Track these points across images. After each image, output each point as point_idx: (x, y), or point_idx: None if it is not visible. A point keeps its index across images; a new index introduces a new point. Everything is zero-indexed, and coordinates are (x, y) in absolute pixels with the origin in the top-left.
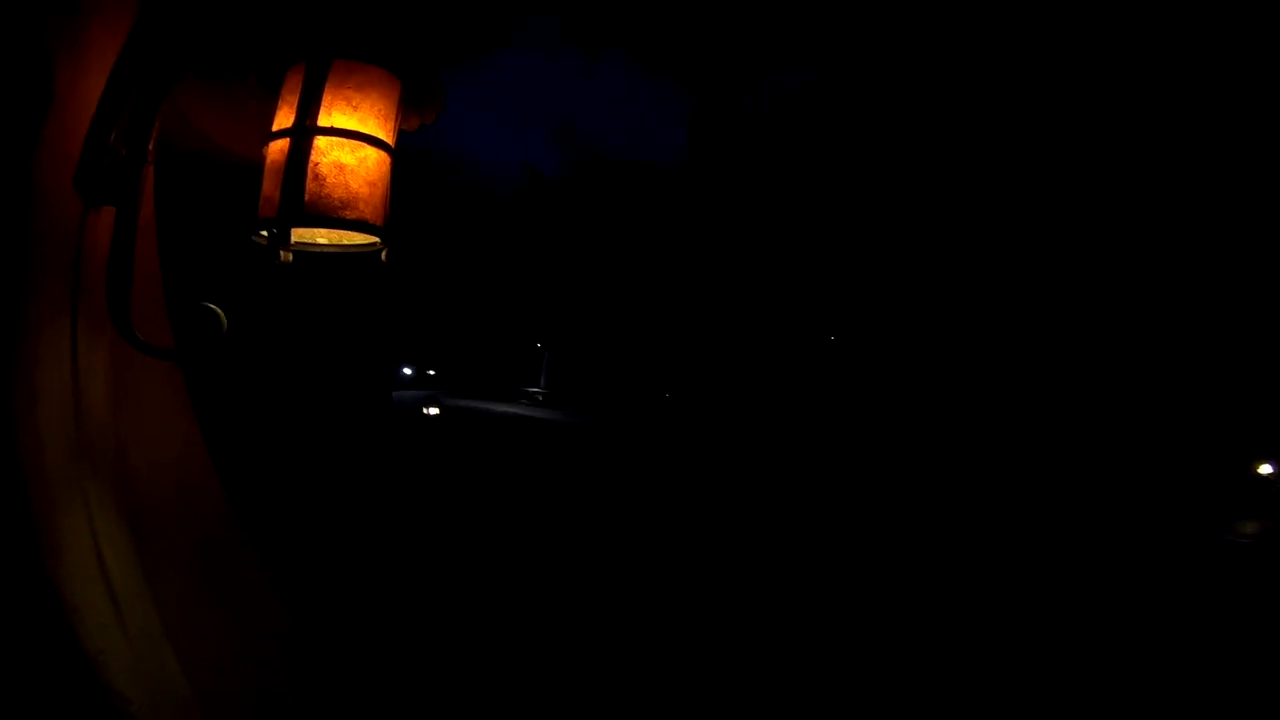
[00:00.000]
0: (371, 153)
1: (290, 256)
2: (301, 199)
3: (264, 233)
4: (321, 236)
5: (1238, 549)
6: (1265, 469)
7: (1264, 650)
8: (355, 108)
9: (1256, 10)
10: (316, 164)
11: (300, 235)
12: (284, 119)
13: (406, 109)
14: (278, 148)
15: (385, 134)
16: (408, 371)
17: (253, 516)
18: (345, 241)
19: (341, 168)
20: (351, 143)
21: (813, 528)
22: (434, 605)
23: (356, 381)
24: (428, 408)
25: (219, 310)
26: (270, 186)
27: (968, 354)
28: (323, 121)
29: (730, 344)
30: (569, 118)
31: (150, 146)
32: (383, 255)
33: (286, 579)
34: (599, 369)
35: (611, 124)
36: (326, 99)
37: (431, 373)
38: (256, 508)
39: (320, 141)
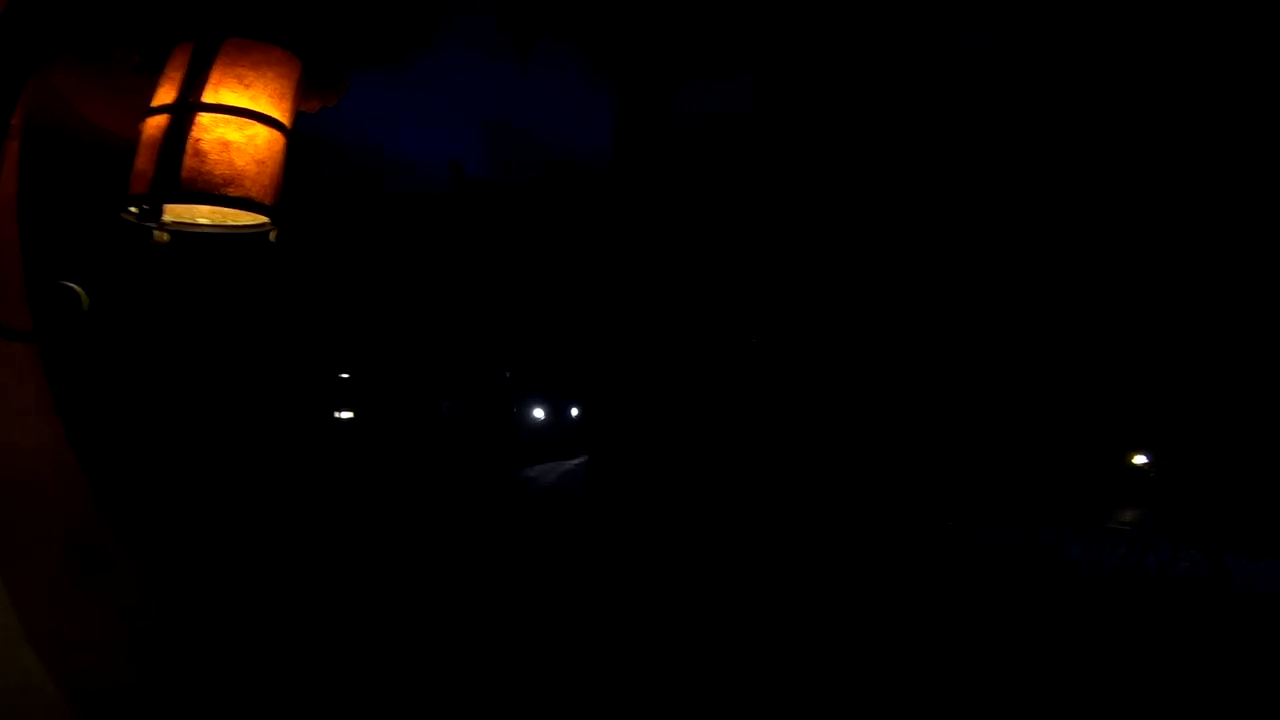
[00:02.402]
0: (262, 130)
1: (166, 236)
2: (178, 174)
3: (133, 209)
4: (203, 216)
5: (1119, 535)
6: (1139, 460)
7: (1146, 624)
8: (247, 86)
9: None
10: (198, 140)
11: (179, 214)
12: (165, 95)
13: (307, 90)
14: (155, 124)
15: (280, 113)
16: (575, 413)
17: (122, 510)
18: (230, 221)
19: (226, 144)
20: (239, 120)
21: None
22: (308, 600)
23: (245, 371)
24: (340, 411)
25: (80, 289)
26: (144, 162)
27: (873, 354)
28: (208, 98)
29: (652, 349)
30: (499, 118)
31: (15, 122)
32: (271, 236)
33: (160, 573)
34: (522, 376)
35: (544, 126)
36: (215, 76)
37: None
38: (127, 501)
39: (204, 118)
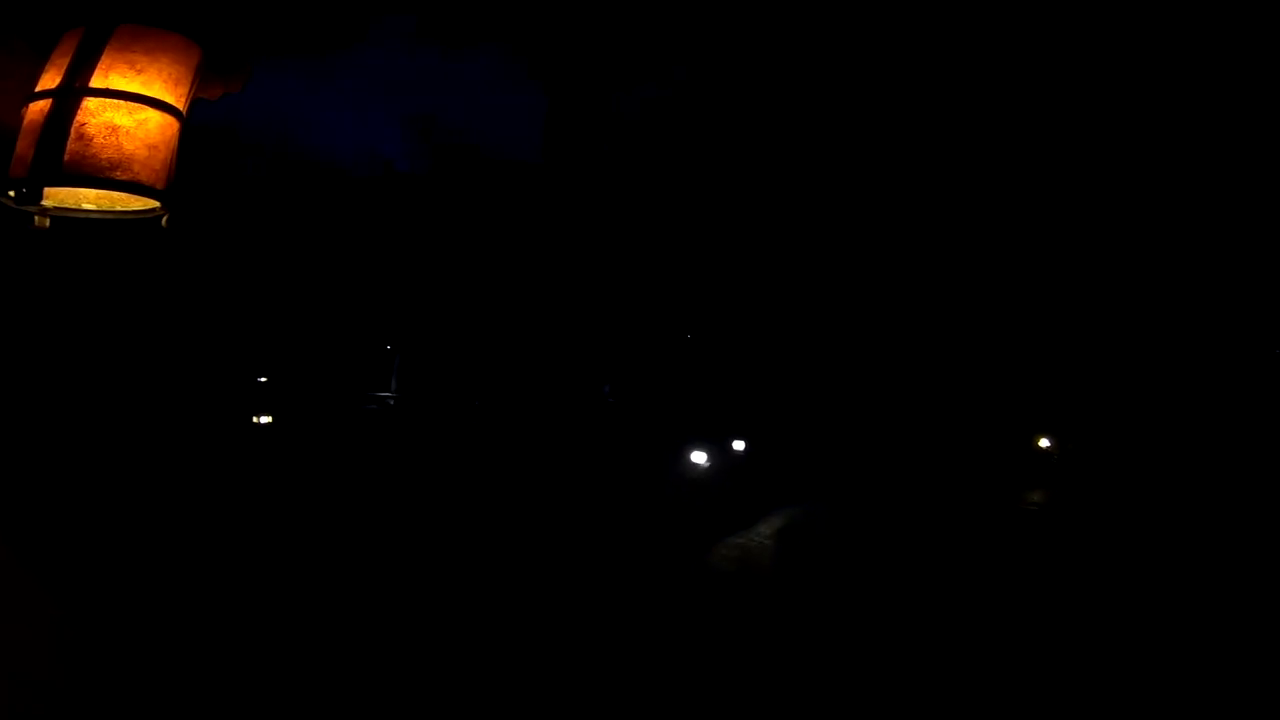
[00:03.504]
0: (154, 115)
1: (47, 222)
2: (60, 158)
3: (10, 193)
4: (89, 202)
5: (1028, 516)
6: (1044, 443)
7: (1057, 598)
8: (139, 71)
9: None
10: (83, 124)
11: (63, 199)
12: (50, 80)
13: (207, 76)
14: (38, 108)
15: (174, 98)
16: (739, 447)
17: (13, 521)
18: (119, 207)
19: (114, 129)
20: (129, 105)
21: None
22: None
23: (140, 367)
24: (258, 415)
25: None
26: (24, 146)
27: (807, 352)
28: (96, 83)
29: (587, 344)
30: (428, 111)
31: None
32: (163, 221)
33: (68, 583)
34: (453, 372)
35: (475, 120)
36: (105, 61)
37: (264, 379)
38: (17, 510)
39: (90, 103)
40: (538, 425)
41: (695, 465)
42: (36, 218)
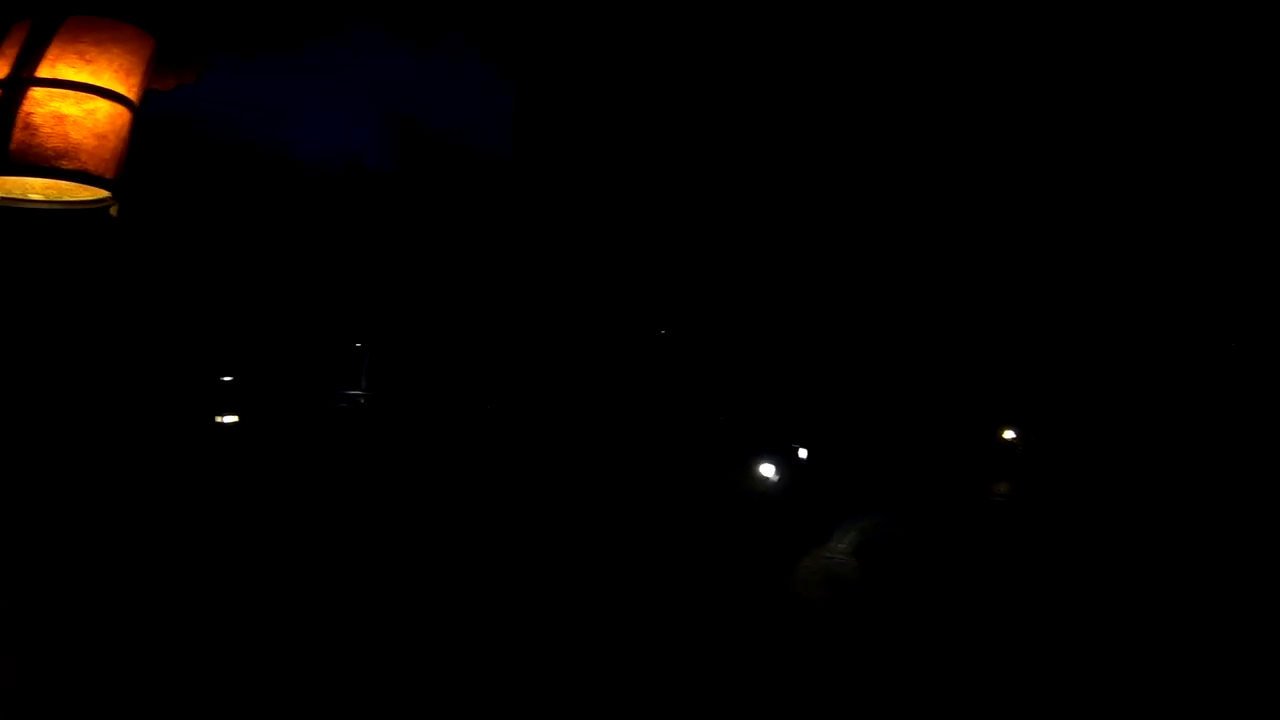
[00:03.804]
0: (103, 105)
1: None
2: (5, 147)
3: None
4: (35, 192)
5: (995, 506)
6: (1009, 434)
7: (1026, 584)
8: (89, 61)
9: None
10: (30, 114)
11: (10, 189)
12: None
13: (160, 67)
14: None
15: (125, 89)
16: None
17: None
18: (67, 197)
19: (61, 118)
20: (77, 94)
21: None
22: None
23: (100, 365)
24: (222, 415)
25: None
26: None
27: (781, 348)
28: (44, 73)
29: (558, 344)
30: (398, 107)
31: None
32: (112, 211)
33: (24, 588)
34: (426, 370)
35: (445, 115)
36: (54, 52)
37: (228, 379)
38: None
39: (37, 92)
40: (571, 429)
41: (763, 475)
42: None
